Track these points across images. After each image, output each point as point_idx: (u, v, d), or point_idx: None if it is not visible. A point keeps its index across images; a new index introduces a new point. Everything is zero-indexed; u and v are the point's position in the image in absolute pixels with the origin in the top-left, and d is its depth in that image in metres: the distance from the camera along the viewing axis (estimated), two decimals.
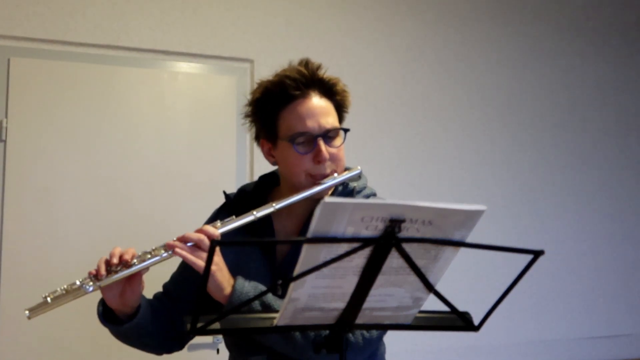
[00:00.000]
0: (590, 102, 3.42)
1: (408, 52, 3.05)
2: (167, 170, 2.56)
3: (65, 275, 1.29)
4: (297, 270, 0.89)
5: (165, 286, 1.46)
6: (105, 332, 1.33)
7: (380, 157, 2.95)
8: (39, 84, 2.42)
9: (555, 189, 3.28)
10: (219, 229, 1.24)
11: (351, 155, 2.81)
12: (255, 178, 1.52)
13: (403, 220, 0.86)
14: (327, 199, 0.82)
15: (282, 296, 1.24)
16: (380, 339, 1.29)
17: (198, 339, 2.35)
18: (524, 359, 3.10)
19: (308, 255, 0.88)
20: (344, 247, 0.88)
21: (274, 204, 1.28)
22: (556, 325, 3.19)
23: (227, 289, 1.21)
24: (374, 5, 3.00)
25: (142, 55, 2.59)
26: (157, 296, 1.45)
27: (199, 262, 1.18)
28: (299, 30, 2.85)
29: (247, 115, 1.41)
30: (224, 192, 1.47)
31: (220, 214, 1.45)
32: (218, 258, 1.22)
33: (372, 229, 0.86)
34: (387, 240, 0.87)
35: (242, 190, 1.46)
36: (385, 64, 3.00)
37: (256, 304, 1.21)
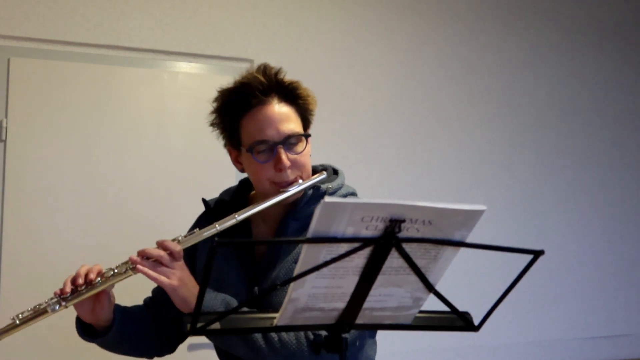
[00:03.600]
0: (590, 102, 3.42)
1: (408, 52, 3.05)
2: (167, 170, 2.55)
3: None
4: (297, 270, 0.89)
5: (153, 291, 1.47)
6: None
7: (380, 157, 2.95)
8: (39, 84, 2.41)
9: (555, 189, 3.28)
10: (181, 244, 1.23)
11: (351, 155, 2.83)
12: (238, 182, 1.51)
13: (403, 220, 0.86)
14: (327, 198, 0.82)
15: (259, 305, 1.25)
16: (356, 339, 1.26)
17: (198, 339, 2.35)
18: (524, 359, 3.10)
19: (308, 255, 0.88)
20: (344, 247, 0.88)
21: (236, 215, 1.27)
22: (556, 325, 3.19)
23: (193, 303, 1.19)
24: (374, 5, 3.00)
25: (142, 55, 2.59)
26: (145, 301, 1.46)
27: (161, 278, 1.19)
28: (299, 30, 2.85)
29: (212, 124, 1.40)
30: (203, 200, 1.46)
31: (201, 222, 1.44)
32: (182, 273, 1.21)
33: (372, 229, 0.86)
34: (387, 240, 0.87)
35: (221, 200, 1.44)
36: (385, 64, 3.00)
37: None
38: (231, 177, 2.63)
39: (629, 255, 3.40)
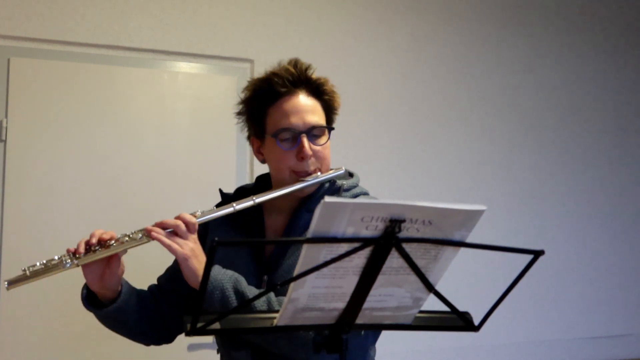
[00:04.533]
0: (590, 102, 3.42)
1: (408, 52, 3.05)
2: (167, 170, 2.55)
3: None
4: (297, 270, 0.89)
5: (159, 279, 1.48)
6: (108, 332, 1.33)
7: (380, 157, 2.95)
8: (39, 84, 2.41)
9: (555, 189, 3.28)
10: (197, 218, 1.26)
11: (351, 155, 2.83)
12: (255, 178, 1.53)
13: (403, 220, 0.86)
14: (328, 198, 0.82)
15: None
16: (356, 333, 1.26)
17: (198, 339, 2.35)
18: (524, 359, 3.10)
19: (308, 255, 0.88)
20: (344, 247, 0.88)
21: (254, 198, 1.30)
22: (556, 325, 3.19)
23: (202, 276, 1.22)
24: (374, 5, 3.00)
25: (142, 55, 2.59)
26: (150, 288, 1.47)
27: (174, 245, 1.21)
28: (299, 30, 2.85)
29: (239, 113, 1.43)
30: (220, 190, 1.48)
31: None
32: (194, 245, 1.24)
33: (372, 229, 0.86)
34: (387, 240, 0.87)
35: (242, 189, 1.48)
36: (385, 64, 3.00)
37: (230, 293, 1.21)
38: (231, 176, 2.64)
39: (628, 255, 3.40)
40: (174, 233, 1.23)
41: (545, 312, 3.17)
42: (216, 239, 0.84)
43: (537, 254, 0.95)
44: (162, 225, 1.24)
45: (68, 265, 1.22)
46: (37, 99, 2.41)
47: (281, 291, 0.99)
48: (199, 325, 0.94)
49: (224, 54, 2.71)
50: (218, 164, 2.64)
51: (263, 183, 1.48)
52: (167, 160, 2.56)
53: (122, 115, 2.52)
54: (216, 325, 0.96)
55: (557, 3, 3.40)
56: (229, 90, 2.66)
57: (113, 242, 1.24)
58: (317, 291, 0.94)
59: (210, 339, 2.46)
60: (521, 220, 3.18)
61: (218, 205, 1.47)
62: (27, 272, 1.23)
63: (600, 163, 3.40)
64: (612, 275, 3.34)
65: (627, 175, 3.46)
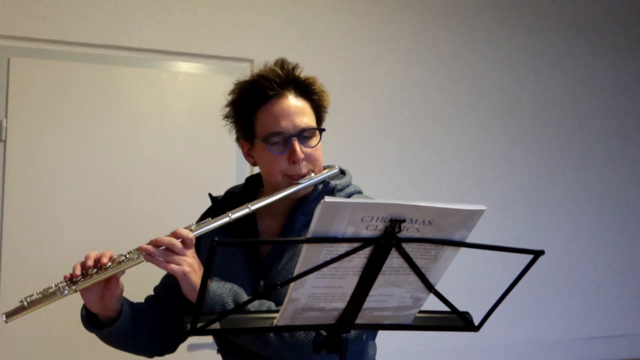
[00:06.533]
0: (591, 102, 3.43)
1: (408, 52, 3.05)
2: (167, 170, 2.55)
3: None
4: (297, 270, 0.89)
5: (155, 289, 1.47)
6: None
7: (380, 157, 2.95)
8: (39, 84, 2.41)
9: (554, 189, 3.28)
10: (193, 232, 1.23)
11: (351, 156, 2.83)
12: (245, 179, 1.51)
13: (403, 220, 0.86)
14: (328, 198, 0.82)
15: (263, 296, 1.26)
16: (358, 339, 1.26)
17: (198, 339, 2.35)
18: (524, 359, 3.10)
19: (308, 255, 0.88)
20: (344, 247, 0.88)
21: (249, 205, 1.28)
22: (556, 325, 3.19)
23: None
24: (374, 5, 3.00)
25: (142, 55, 2.59)
26: (147, 299, 1.46)
27: (170, 266, 1.19)
28: (299, 30, 2.85)
29: (226, 116, 1.41)
30: (210, 195, 1.46)
31: (206, 217, 1.45)
32: (192, 260, 1.21)
33: (372, 228, 0.86)
34: (387, 240, 0.87)
35: (229, 193, 1.45)
36: (385, 64, 3.00)
37: (229, 304, 1.21)
38: (231, 176, 2.64)
39: (628, 255, 3.40)
40: (170, 250, 1.20)
41: (545, 312, 3.17)
42: (216, 239, 0.84)
43: (537, 254, 0.95)
44: (157, 243, 1.20)
45: (66, 292, 1.20)
46: (37, 99, 2.41)
47: (281, 300, 0.99)
48: (199, 325, 0.94)
49: (224, 54, 2.71)
50: (218, 163, 2.64)
51: (253, 184, 1.46)
52: (166, 160, 2.56)
53: (122, 115, 2.52)
54: (216, 325, 0.96)
55: (557, 3, 3.40)
56: (228, 91, 2.66)
57: (109, 263, 1.21)
58: (317, 291, 0.94)
59: (210, 339, 2.46)
60: (521, 220, 3.18)
61: (209, 210, 1.46)
62: (25, 303, 1.21)
63: (600, 163, 3.40)
64: (611, 275, 3.34)
65: (627, 176, 3.46)
